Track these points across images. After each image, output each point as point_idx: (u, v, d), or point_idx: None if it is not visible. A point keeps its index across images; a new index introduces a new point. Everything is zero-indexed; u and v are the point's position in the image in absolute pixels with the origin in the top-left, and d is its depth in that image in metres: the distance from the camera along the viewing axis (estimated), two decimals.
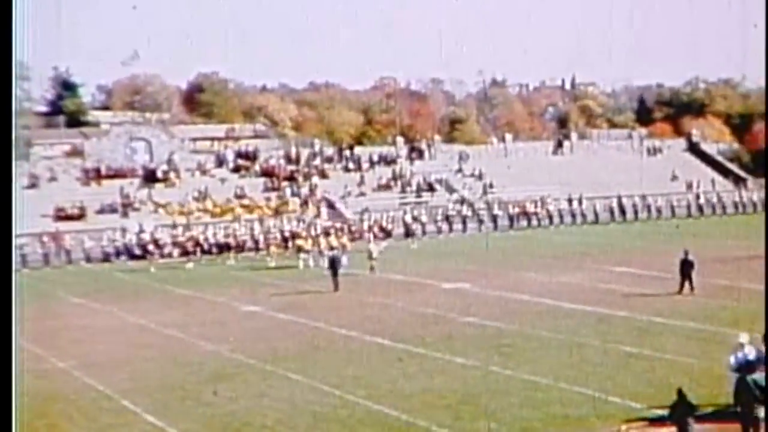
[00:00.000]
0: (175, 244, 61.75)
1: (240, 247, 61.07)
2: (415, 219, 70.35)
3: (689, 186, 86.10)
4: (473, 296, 41.90)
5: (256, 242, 62.02)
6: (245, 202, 72.16)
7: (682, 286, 39.77)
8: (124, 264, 60.00)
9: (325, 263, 49.12)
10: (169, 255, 60.35)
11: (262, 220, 67.48)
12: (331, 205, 73.88)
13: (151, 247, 60.63)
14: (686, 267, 39.96)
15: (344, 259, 50.81)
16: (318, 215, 69.87)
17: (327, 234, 59.38)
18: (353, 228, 65.54)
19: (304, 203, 73.12)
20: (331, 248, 52.90)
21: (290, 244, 59.74)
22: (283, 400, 25.51)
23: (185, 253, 59.19)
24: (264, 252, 58.59)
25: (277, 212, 70.90)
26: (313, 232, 60.55)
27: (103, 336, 36.54)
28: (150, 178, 73.97)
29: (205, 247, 60.76)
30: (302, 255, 54.68)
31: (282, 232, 63.31)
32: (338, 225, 65.28)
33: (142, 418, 24.39)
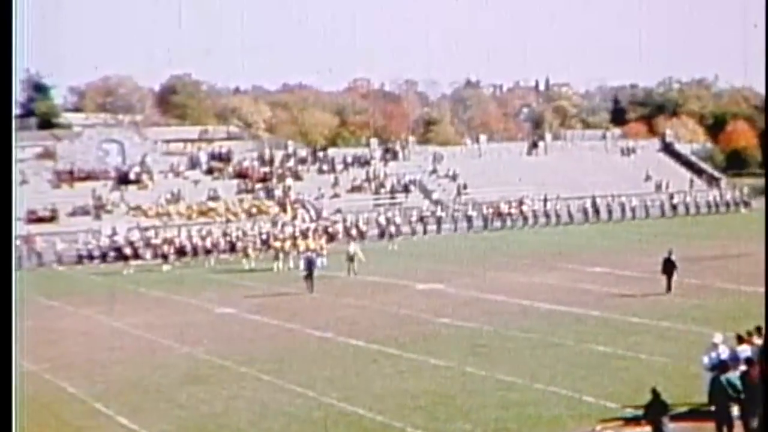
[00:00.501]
0: (149, 246, 61.39)
1: (217, 250, 60.53)
2: (389, 220, 70.20)
3: (658, 187, 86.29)
4: (448, 297, 41.84)
5: (233, 244, 61.47)
6: (221, 204, 71.88)
7: (668, 285, 39.70)
8: (97, 266, 59.56)
9: (302, 265, 49.31)
10: (144, 257, 59.94)
11: (239, 223, 67.18)
12: (307, 207, 73.69)
13: (127, 250, 60.21)
14: (669, 267, 39.96)
15: (321, 261, 50.82)
16: (295, 217, 69.68)
17: (304, 236, 59.11)
18: (330, 230, 65.37)
19: (281, 206, 72.92)
20: (308, 250, 52.72)
21: (268, 246, 59.39)
22: (257, 401, 25.39)
23: (162, 255, 58.66)
24: (241, 254, 58.13)
25: (249, 214, 70.69)
26: (290, 234, 60.18)
27: (76, 338, 36.29)
28: (122, 180, 73.60)
29: (182, 249, 60.23)
30: (280, 257, 54.31)
31: (259, 234, 62.96)
32: (315, 227, 65.10)
33: (114, 421, 24.21)
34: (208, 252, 60.04)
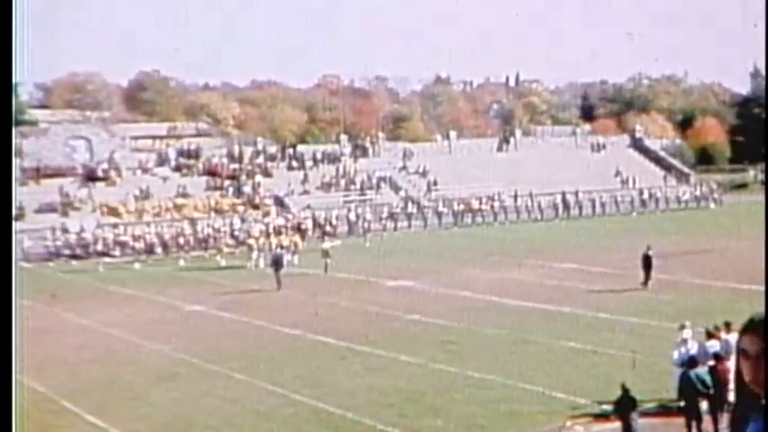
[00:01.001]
0: (118, 243, 61.01)
1: (189, 247, 60.07)
2: (359, 217, 70.10)
3: (624, 182, 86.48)
4: (418, 294, 41.81)
5: (206, 242, 61.05)
6: (190, 201, 71.56)
7: (646, 280, 39.71)
8: (65, 264, 59.03)
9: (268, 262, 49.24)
10: (113, 255, 59.48)
11: (210, 220, 66.79)
12: (281, 204, 73.46)
13: (96, 247, 59.75)
14: (647, 262, 39.98)
15: (294, 258, 51.10)
16: (268, 214, 69.41)
17: (278, 233, 58.83)
18: (303, 226, 65.04)
19: (253, 204, 72.63)
20: (282, 247, 52.56)
21: (241, 243, 59.08)
22: (228, 399, 25.29)
23: (132, 253, 58.21)
24: (214, 251, 57.68)
25: (217, 211, 70.41)
26: (262, 232, 59.85)
27: (43, 337, 35.99)
28: (90, 176, 73.12)
29: (152, 246, 59.85)
30: (253, 254, 53.83)
31: (232, 231, 62.56)
32: (289, 223, 64.83)
33: (83, 419, 24.06)
34: (180, 249, 59.61)
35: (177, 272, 53.43)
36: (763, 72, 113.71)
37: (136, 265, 56.27)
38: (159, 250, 59.70)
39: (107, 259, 57.87)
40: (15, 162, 65.56)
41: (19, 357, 25.29)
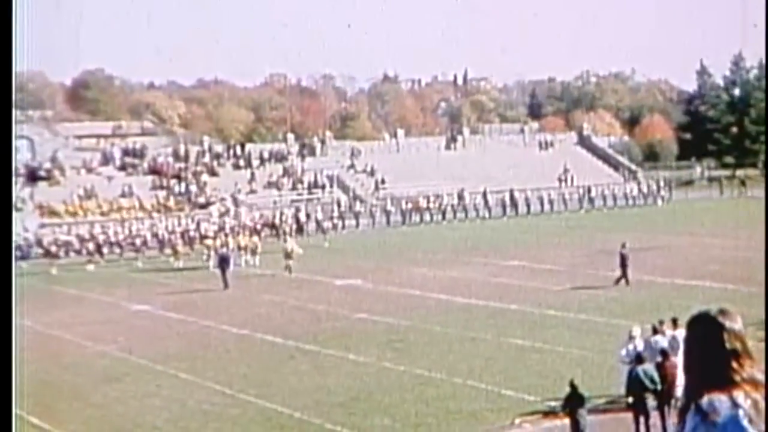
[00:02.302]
0: (64, 244, 60.13)
1: (143, 248, 58.52)
2: (308, 216, 69.79)
3: (562, 180, 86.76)
4: (365, 292, 41.71)
5: (161, 243, 59.67)
6: (133, 200, 70.90)
7: (620, 277, 39.39)
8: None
9: (241, 263, 49.50)
10: (57, 255, 58.46)
11: (156, 221, 66.06)
12: (237, 204, 72.98)
13: (53, 249, 58.50)
14: (623, 259, 39.60)
15: (256, 260, 51.04)
16: (225, 213, 68.86)
17: (235, 233, 58.19)
18: (257, 226, 64.40)
19: (202, 204, 72.10)
20: (240, 248, 52.13)
21: (192, 244, 58.31)
22: (174, 400, 25.04)
23: (87, 253, 56.84)
24: (170, 252, 56.39)
25: (165, 208, 69.84)
26: (215, 232, 59.18)
27: None
28: (33, 176, 72.20)
29: (99, 247, 58.59)
30: (211, 255, 52.06)
31: (187, 232, 61.41)
32: (248, 223, 64.27)
33: (26, 421, 23.66)
34: (134, 250, 58.17)
35: (129, 273, 52.30)
36: (710, 69, 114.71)
37: (90, 267, 54.86)
38: (106, 250, 58.51)
39: (61, 261, 56.58)
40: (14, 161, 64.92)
41: None
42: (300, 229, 66.73)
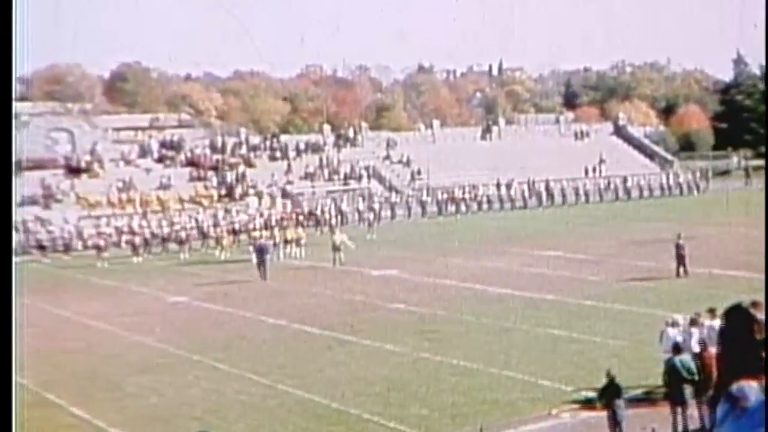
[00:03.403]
0: (101, 235, 60.41)
1: (188, 240, 57.59)
2: (339, 208, 69.88)
3: (597, 171, 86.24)
4: (402, 283, 41.75)
5: (204, 234, 59.42)
6: (173, 193, 71.21)
7: (678, 269, 39.12)
8: (47, 256, 58.27)
9: (281, 256, 49.57)
10: (99, 247, 58.52)
11: (212, 213, 66.17)
12: (285, 195, 73.10)
13: (99, 242, 58.53)
14: (678, 250, 39.27)
15: (302, 251, 50.82)
16: (272, 205, 68.93)
17: (283, 225, 57.88)
18: (300, 218, 64.30)
19: (241, 195, 72.31)
20: (287, 240, 52.03)
21: (241, 235, 57.94)
22: (211, 390, 25.20)
23: (132, 246, 56.47)
24: (213, 245, 55.89)
25: (206, 201, 70.16)
26: (261, 225, 59.11)
27: (24, 329, 35.78)
28: (73, 168, 72.74)
29: (146, 239, 58.22)
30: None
31: (232, 223, 61.23)
32: (293, 216, 64.15)
33: (66, 411, 23.94)
34: (179, 242, 57.22)
35: (175, 266, 51.83)
36: (746, 59, 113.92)
37: (136, 259, 54.17)
38: (152, 242, 58.05)
39: (105, 254, 56.60)
40: (14, 158, 64.99)
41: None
42: (344, 221, 66.45)
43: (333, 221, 63.47)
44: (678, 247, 39.16)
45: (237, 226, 60.65)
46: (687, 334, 21.87)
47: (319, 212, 67.41)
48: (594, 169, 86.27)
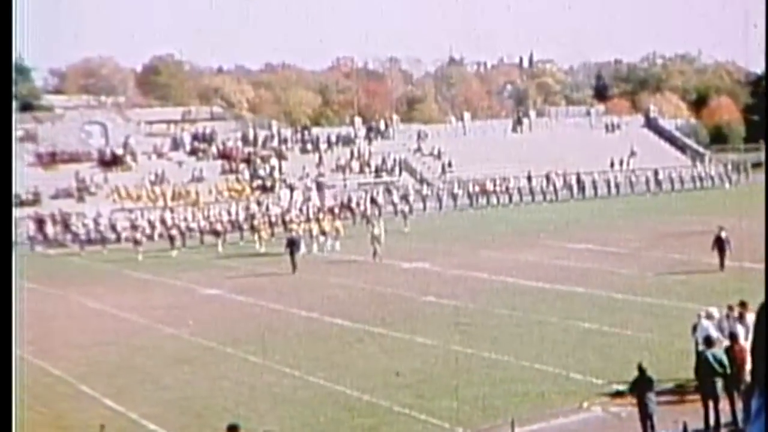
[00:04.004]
0: (135, 227, 60.76)
1: (225, 233, 57.32)
2: (373, 200, 70.03)
3: (612, 164, 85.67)
4: (433, 275, 41.83)
5: (241, 227, 59.36)
6: (204, 186, 71.56)
7: (722, 262, 38.68)
8: (81, 249, 58.54)
9: (315, 248, 49.69)
10: (133, 240, 58.78)
11: (244, 204, 66.39)
12: (320, 188, 73.27)
13: (137, 235, 58.59)
14: (720, 244, 39.02)
15: (337, 245, 50.78)
16: (307, 199, 69.06)
17: (318, 218, 57.71)
18: (336, 210, 64.30)
19: (271, 187, 72.56)
20: (323, 233, 51.92)
21: (278, 227, 57.93)
22: (243, 382, 25.37)
23: (170, 239, 56.23)
24: (251, 238, 55.75)
25: (238, 193, 70.44)
26: (297, 217, 59.18)
27: (59, 321, 36.17)
28: (106, 161, 73.22)
29: (182, 231, 58.07)
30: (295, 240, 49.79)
31: (269, 216, 61.21)
32: (330, 208, 64.20)
33: (100, 403, 24.16)
34: (215, 234, 56.94)
35: (212, 259, 51.84)
36: None
37: (173, 253, 53.98)
38: (186, 235, 57.76)
39: (125, 245, 56.97)
40: (15, 154, 64.93)
41: (30, 340, 25.29)
42: (379, 213, 65.79)
43: (369, 213, 62.99)
44: (719, 240, 38.84)
45: (274, 219, 60.62)
46: (720, 327, 21.85)
47: (354, 204, 67.48)
48: (621, 162, 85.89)
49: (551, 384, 23.39)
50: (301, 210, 63.45)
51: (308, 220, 57.57)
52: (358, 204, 67.75)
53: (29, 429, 22.35)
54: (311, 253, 49.67)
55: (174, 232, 56.92)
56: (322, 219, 56.57)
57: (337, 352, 28.12)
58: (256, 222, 58.61)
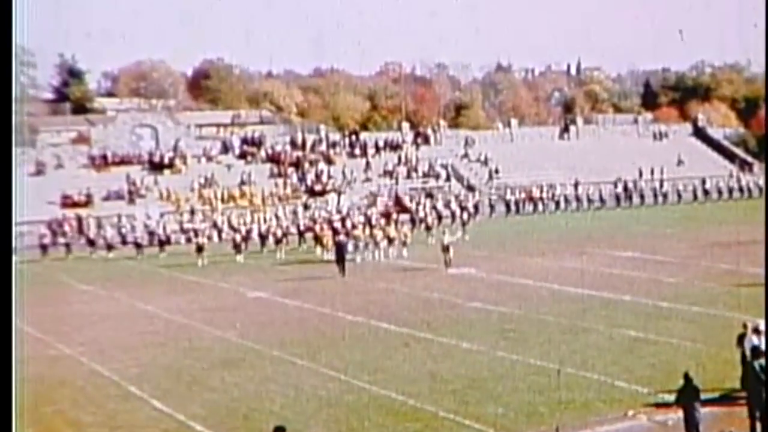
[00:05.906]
0: (184, 231, 61.29)
1: (286, 238, 56.63)
2: (417, 204, 70.04)
3: (660, 172, 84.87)
4: (479, 281, 41.92)
5: (301, 233, 58.38)
6: (257, 189, 72.01)
7: None
8: (130, 251, 58.70)
9: (381, 255, 49.61)
10: (182, 243, 59.11)
11: (284, 209, 66.61)
12: (390, 194, 73.42)
13: (162, 235, 58.98)
14: None
15: (404, 251, 50.50)
16: (374, 203, 69.12)
17: (381, 224, 57.33)
18: (394, 215, 64.08)
19: (319, 191, 72.84)
20: (390, 240, 51.13)
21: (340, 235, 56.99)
22: (289, 385, 25.53)
23: (234, 244, 54.50)
24: (313, 244, 54.87)
25: (287, 197, 70.78)
26: (362, 223, 58.46)
27: (110, 322, 36.59)
28: (156, 164, 73.90)
29: (246, 236, 56.85)
30: (359, 247, 50.59)
31: (331, 222, 60.14)
32: (395, 215, 64.13)
33: (149, 404, 24.42)
34: (279, 240, 55.98)
35: (275, 265, 51.15)
36: None
37: (238, 258, 53.20)
38: (244, 239, 56.58)
39: (172, 248, 57.32)
40: (15, 157, 65.60)
41: (82, 341, 25.66)
42: (439, 219, 64.36)
43: (429, 220, 61.12)
44: None
45: (335, 225, 58.83)
46: (766, 338, 21.79)
47: (414, 211, 66.94)
48: (661, 171, 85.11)
49: (596, 392, 23.40)
50: (366, 215, 62.99)
51: (372, 226, 56.70)
52: (417, 210, 66.91)
53: (82, 429, 22.74)
54: (376, 260, 49.86)
55: (238, 237, 55.67)
56: (385, 225, 56.30)
57: (383, 357, 28.25)
58: (317, 227, 57.54)
